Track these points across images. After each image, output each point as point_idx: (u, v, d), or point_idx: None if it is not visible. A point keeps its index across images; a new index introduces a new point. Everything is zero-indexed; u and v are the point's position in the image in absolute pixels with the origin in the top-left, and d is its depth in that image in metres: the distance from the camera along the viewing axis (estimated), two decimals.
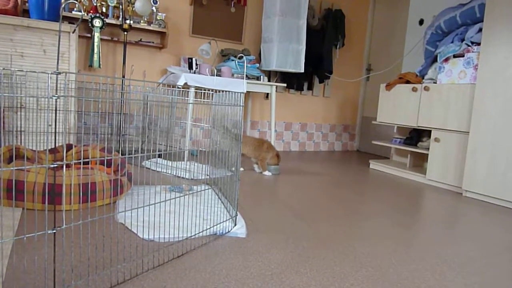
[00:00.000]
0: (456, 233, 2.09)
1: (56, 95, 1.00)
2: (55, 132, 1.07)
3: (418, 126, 3.54)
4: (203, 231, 1.73)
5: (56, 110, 0.93)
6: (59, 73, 1.00)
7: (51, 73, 1.00)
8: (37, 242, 1.48)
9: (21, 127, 2.93)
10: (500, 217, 2.48)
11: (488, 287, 1.46)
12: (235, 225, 1.85)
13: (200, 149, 4.19)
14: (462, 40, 3.28)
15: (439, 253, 1.77)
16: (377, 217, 2.26)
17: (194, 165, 3.16)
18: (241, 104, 1.80)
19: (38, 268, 1.27)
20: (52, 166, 0.98)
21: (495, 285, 1.48)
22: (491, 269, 1.64)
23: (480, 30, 3.07)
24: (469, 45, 3.15)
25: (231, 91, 1.85)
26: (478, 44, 3.07)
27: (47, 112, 3.00)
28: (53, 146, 3.12)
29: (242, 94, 1.83)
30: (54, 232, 1.04)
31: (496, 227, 2.26)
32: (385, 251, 1.73)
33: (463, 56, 3.18)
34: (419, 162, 3.90)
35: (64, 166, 1.02)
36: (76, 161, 1.04)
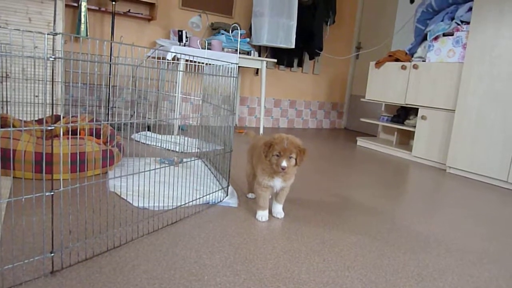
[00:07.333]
0: (440, 204, 2.17)
1: (53, 56, 0.99)
2: (52, 99, 1.06)
3: (406, 104, 3.60)
4: (196, 199, 1.75)
5: (52, 72, 0.92)
6: (56, 33, 0.99)
7: (48, 34, 0.99)
8: (33, 206, 1.48)
9: (6, 97, 2.86)
10: (481, 191, 2.57)
11: (468, 247, 1.54)
12: (227, 195, 1.88)
13: (190, 123, 4.18)
14: (452, 18, 3.31)
15: (424, 221, 1.84)
16: (364, 189, 2.32)
17: (183, 139, 3.16)
18: (235, 75, 1.80)
19: (36, 232, 1.28)
20: (49, 128, 0.98)
21: (474, 245, 1.56)
22: (471, 237, 1.71)
23: (470, 9, 3.09)
24: (458, 24, 3.18)
25: (225, 62, 1.84)
26: (468, 23, 3.10)
27: (33, 83, 2.93)
28: (41, 117, 3.07)
29: (236, 65, 1.82)
30: (52, 194, 1.05)
31: (477, 200, 2.34)
32: (372, 220, 1.79)
33: (452, 35, 3.21)
34: (405, 139, 3.98)
35: (61, 130, 1.02)
36: (74, 125, 1.04)
